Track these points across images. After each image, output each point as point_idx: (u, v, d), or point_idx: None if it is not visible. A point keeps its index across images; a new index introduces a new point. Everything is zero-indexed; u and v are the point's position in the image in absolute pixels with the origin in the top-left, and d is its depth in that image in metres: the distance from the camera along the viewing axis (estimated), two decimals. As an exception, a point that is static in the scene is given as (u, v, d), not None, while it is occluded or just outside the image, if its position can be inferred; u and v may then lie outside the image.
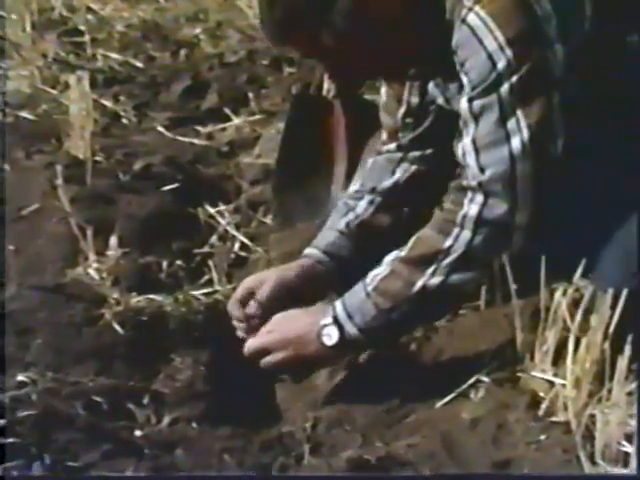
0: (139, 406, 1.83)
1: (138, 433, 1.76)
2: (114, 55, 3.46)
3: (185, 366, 1.95)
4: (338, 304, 1.80)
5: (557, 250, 1.73)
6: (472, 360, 1.79)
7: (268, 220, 2.53)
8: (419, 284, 1.73)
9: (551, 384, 1.68)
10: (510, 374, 1.76)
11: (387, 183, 2.00)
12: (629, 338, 1.57)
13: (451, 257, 1.73)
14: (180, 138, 2.97)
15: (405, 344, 1.94)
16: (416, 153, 1.99)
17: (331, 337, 1.78)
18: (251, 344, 1.86)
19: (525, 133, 1.68)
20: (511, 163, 1.69)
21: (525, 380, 1.74)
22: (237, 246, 2.43)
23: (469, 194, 1.73)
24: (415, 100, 1.95)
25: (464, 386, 1.75)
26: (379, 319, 1.76)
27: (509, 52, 1.65)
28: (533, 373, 1.72)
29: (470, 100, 1.70)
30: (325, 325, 1.78)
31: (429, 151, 1.98)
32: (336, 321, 1.78)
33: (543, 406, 1.66)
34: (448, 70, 1.74)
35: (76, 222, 2.23)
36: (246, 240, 2.44)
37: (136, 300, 2.09)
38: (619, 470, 1.54)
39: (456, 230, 1.73)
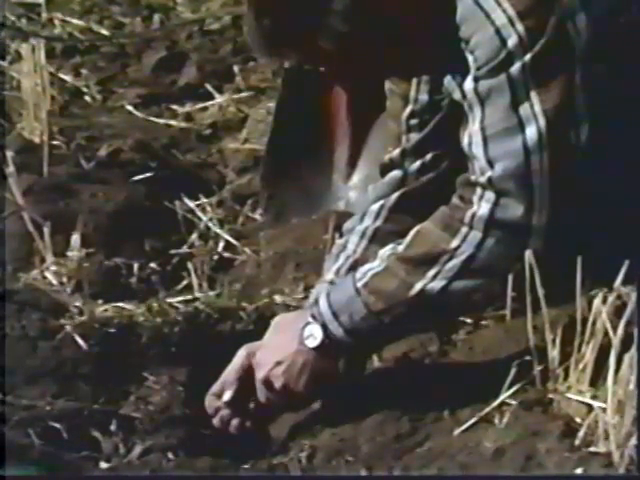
0: (105, 434, 1.84)
1: (104, 465, 1.78)
2: (74, 20, 3.48)
3: (160, 386, 1.97)
4: (322, 299, 1.82)
5: (596, 251, 1.75)
6: (496, 379, 1.81)
7: (257, 215, 2.55)
8: (417, 287, 1.76)
9: (589, 408, 1.69)
10: (541, 396, 1.78)
11: (381, 210, 2.01)
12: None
13: (457, 260, 1.75)
14: (153, 119, 2.99)
15: (418, 360, 1.96)
16: (418, 165, 1.99)
17: (315, 337, 1.80)
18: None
19: (541, 121, 1.69)
20: (525, 156, 1.71)
21: (558, 403, 1.75)
22: (221, 246, 2.45)
23: (478, 191, 1.74)
24: (424, 98, 1.97)
25: (487, 410, 1.76)
26: (369, 320, 1.78)
27: (520, 27, 1.66)
28: (568, 395, 1.74)
29: (476, 80, 1.72)
30: (307, 324, 1.81)
31: (435, 154, 1.98)
32: (319, 319, 1.80)
33: (580, 434, 1.67)
34: (465, 60, 1.75)
35: (31, 217, 2.24)
36: (231, 239, 2.46)
37: (102, 309, 2.10)
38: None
39: (464, 229, 1.75)
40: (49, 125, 2.68)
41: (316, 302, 1.83)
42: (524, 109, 1.70)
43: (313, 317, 1.81)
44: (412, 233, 1.80)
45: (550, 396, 1.77)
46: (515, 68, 1.68)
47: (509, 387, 1.77)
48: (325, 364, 1.83)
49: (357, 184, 2.49)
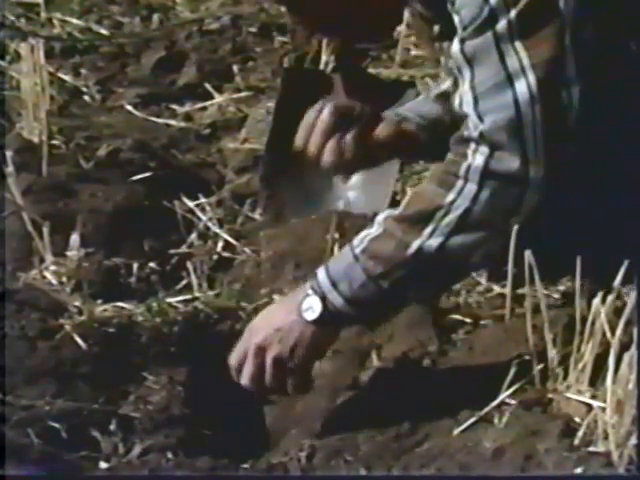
0: (105, 433, 1.85)
1: (103, 465, 1.78)
2: (74, 20, 3.48)
3: (159, 386, 1.97)
4: (320, 271, 1.80)
5: (595, 250, 1.75)
6: (495, 379, 1.81)
7: (256, 215, 2.55)
8: (414, 246, 1.74)
9: (588, 408, 1.70)
10: (540, 396, 1.78)
11: None
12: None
13: (453, 214, 1.73)
14: (152, 119, 2.99)
15: (417, 359, 1.96)
16: None
17: (313, 310, 1.78)
18: (231, 361, 1.86)
19: (531, 76, 1.69)
20: (516, 109, 1.70)
21: (558, 403, 1.76)
22: (220, 245, 2.45)
23: (472, 145, 1.74)
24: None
25: (486, 409, 1.77)
26: (368, 287, 1.76)
27: None
28: (567, 395, 1.74)
29: (462, 41, 1.73)
30: (306, 296, 1.79)
31: None
32: (318, 290, 1.78)
33: (579, 434, 1.68)
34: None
35: (30, 217, 2.25)
36: (231, 239, 2.46)
37: (101, 309, 2.10)
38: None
39: (459, 183, 1.74)
40: (48, 125, 2.67)
41: (315, 275, 1.81)
42: (512, 64, 1.70)
43: (312, 289, 1.79)
44: (409, 195, 1.82)
45: (549, 396, 1.77)
46: (500, 25, 1.69)
47: (508, 387, 1.78)
48: (322, 340, 1.81)
49: (356, 184, 2.49)
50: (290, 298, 1.85)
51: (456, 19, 1.73)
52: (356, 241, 1.80)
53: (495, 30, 1.69)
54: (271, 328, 1.81)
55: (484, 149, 1.73)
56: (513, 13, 1.67)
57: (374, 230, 1.79)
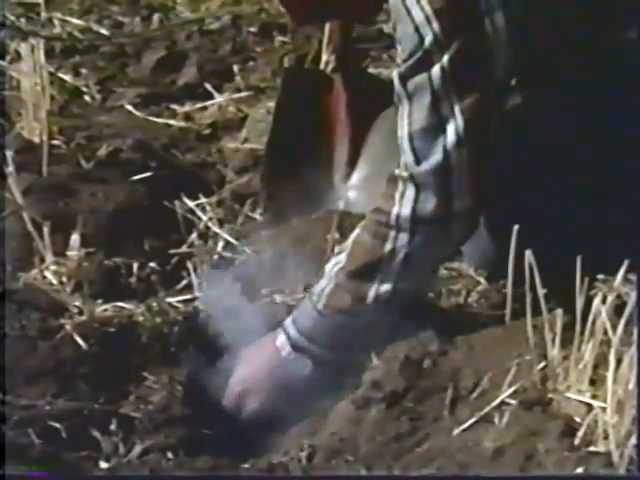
0: (105, 433, 1.85)
1: (104, 465, 1.78)
2: (74, 20, 3.48)
3: (159, 386, 1.97)
4: (290, 327, 1.92)
5: (595, 249, 1.75)
6: (496, 379, 1.81)
7: (257, 215, 2.55)
8: (370, 295, 1.86)
9: (589, 407, 1.70)
10: (540, 395, 1.78)
11: None
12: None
13: (396, 261, 1.84)
14: (153, 119, 2.99)
15: (418, 360, 1.96)
16: None
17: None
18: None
19: (460, 120, 1.75)
20: (445, 153, 1.77)
21: (558, 403, 1.75)
22: (221, 245, 2.45)
23: (400, 187, 1.82)
24: None
25: (486, 409, 1.77)
26: (340, 336, 1.89)
27: (436, 25, 1.71)
28: (567, 394, 1.74)
29: (402, 77, 1.78)
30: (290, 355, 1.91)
31: None
32: (296, 346, 1.91)
33: (579, 433, 1.67)
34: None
35: (30, 217, 2.25)
36: (231, 238, 2.46)
37: (102, 309, 2.10)
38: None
39: (392, 233, 1.84)
40: (49, 125, 2.67)
41: (285, 330, 1.93)
42: (445, 108, 1.76)
43: (291, 347, 1.92)
44: (350, 242, 1.91)
45: (550, 396, 1.77)
46: (435, 70, 1.74)
47: (509, 387, 1.78)
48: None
49: (356, 184, 2.49)
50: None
51: (398, 48, 1.79)
52: (314, 296, 1.91)
53: (430, 74, 1.74)
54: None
55: (410, 193, 1.81)
56: (446, 58, 1.73)
57: (327, 283, 1.90)
